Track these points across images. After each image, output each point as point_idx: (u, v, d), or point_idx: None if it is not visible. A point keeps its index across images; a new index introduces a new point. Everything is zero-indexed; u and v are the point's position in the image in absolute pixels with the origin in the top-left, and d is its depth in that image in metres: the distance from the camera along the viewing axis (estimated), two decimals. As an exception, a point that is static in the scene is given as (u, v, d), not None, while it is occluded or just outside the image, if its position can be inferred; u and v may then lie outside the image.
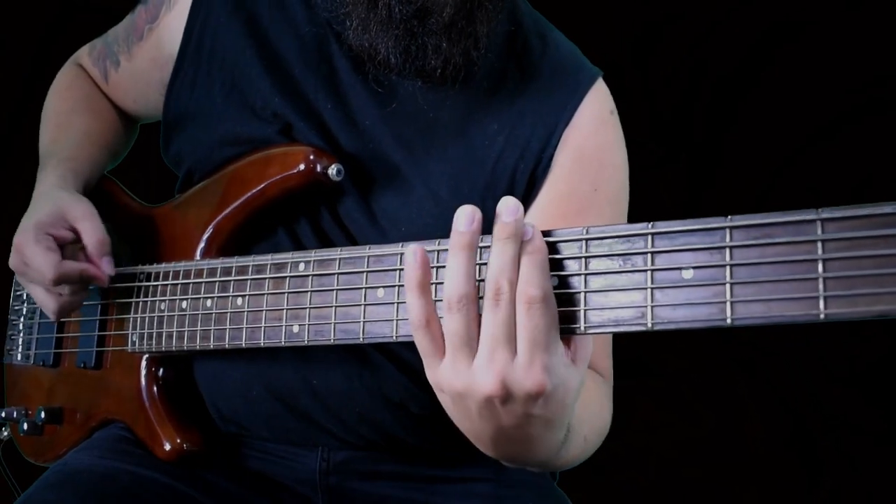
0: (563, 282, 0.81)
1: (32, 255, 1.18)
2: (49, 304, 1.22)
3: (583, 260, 0.80)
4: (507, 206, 0.78)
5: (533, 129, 1.17)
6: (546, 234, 0.82)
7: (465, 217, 0.79)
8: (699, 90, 2.32)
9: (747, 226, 0.74)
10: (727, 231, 0.74)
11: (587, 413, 1.02)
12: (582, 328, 0.80)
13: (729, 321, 0.74)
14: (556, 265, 0.81)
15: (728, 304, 0.73)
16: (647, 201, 1.28)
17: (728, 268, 0.74)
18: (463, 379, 0.79)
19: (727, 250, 0.74)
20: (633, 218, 1.25)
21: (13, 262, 1.22)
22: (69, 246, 1.22)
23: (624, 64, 2.30)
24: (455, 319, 0.78)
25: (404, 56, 1.12)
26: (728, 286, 0.74)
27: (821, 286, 0.70)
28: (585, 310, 0.80)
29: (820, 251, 0.70)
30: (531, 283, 0.77)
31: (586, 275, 0.80)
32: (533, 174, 1.17)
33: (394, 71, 1.15)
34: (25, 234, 1.19)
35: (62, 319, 1.34)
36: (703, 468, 2.27)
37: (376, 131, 1.18)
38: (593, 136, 1.19)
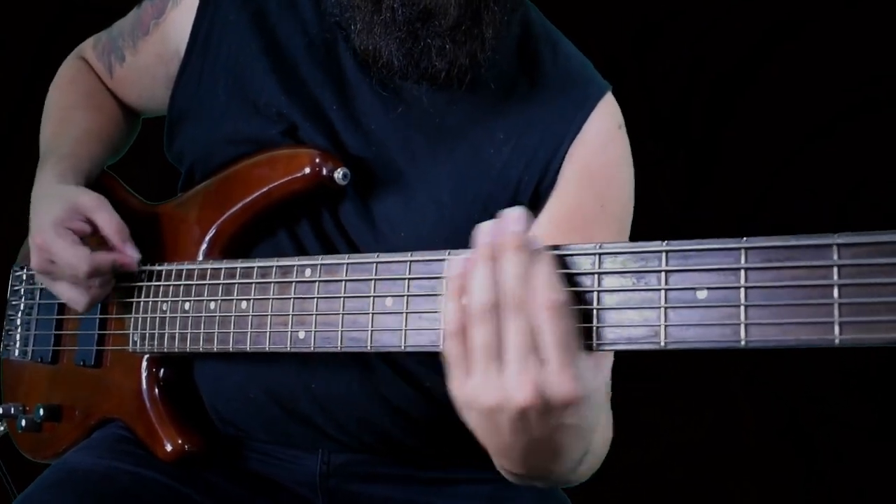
0: (576, 297, 0.81)
1: (60, 250, 1.16)
2: (80, 299, 1.20)
3: (596, 276, 0.80)
4: (514, 215, 0.78)
5: (540, 140, 1.16)
6: (557, 248, 0.82)
7: (490, 227, 0.79)
8: (698, 87, 2.31)
9: (762, 248, 0.73)
10: (742, 252, 0.74)
11: (599, 430, 1.01)
12: (594, 345, 0.80)
13: (743, 343, 0.74)
14: (568, 280, 0.81)
15: (742, 325, 0.74)
16: (644, 199, 1.27)
17: (743, 289, 0.74)
18: (495, 393, 0.77)
19: (742, 272, 0.74)
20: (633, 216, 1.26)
21: (36, 262, 1.19)
22: (87, 239, 1.20)
23: (622, 61, 2.29)
24: (486, 330, 0.77)
25: (407, 59, 1.10)
26: (742, 308, 0.74)
27: (836, 312, 0.70)
28: (598, 326, 0.80)
29: (836, 276, 0.70)
30: (553, 288, 0.77)
31: (599, 291, 0.80)
32: (538, 188, 1.16)
33: (397, 74, 1.13)
34: (46, 233, 1.17)
35: (63, 317, 1.33)
36: (701, 467, 2.28)
37: (382, 135, 1.17)
38: (601, 153, 1.18)
